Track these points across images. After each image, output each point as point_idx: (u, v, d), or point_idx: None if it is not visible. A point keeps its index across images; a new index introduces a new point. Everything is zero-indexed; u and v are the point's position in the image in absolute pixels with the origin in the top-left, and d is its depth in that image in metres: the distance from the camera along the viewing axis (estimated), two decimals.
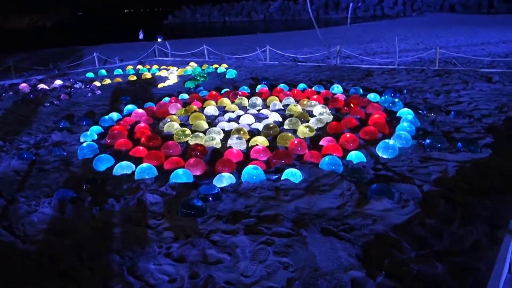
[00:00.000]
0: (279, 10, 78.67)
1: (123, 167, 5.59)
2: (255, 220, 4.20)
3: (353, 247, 3.63)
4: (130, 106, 8.74)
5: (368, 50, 19.20)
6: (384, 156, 5.61)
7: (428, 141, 5.85)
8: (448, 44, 20.19)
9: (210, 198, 4.62)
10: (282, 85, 10.01)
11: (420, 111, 7.41)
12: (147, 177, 5.34)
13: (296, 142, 6.05)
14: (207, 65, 13.93)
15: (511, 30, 26.31)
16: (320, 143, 6.18)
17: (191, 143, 6.55)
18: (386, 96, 8.36)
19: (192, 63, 14.79)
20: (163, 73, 13.16)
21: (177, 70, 13.47)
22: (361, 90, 9.20)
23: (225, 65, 13.82)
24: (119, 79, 12.52)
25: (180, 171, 5.23)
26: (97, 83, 12.00)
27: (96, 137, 7.12)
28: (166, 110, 8.40)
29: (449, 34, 25.22)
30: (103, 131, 7.48)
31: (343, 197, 4.56)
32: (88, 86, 11.82)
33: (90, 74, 13.74)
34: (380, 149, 5.69)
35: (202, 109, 8.43)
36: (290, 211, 4.38)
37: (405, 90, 9.09)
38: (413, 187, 4.67)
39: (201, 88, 10.45)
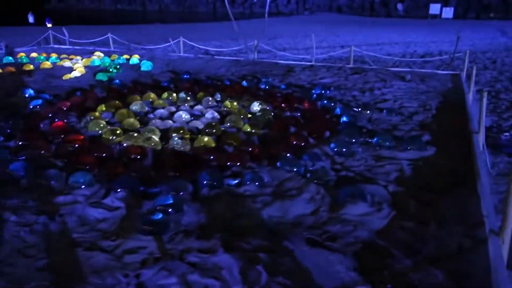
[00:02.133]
0: (175, 1, 76.49)
1: (50, 176, 4.65)
2: (230, 234, 3.73)
3: (345, 257, 3.39)
4: (37, 102, 7.47)
5: (276, 46, 19.42)
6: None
7: (375, 139, 5.90)
8: (348, 43, 21.34)
9: (170, 210, 4.02)
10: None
11: (355, 109, 7.52)
12: (83, 186, 4.50)
13: (244, 141, 5.66)
14: (116, 56, 12.70)
15: (397, 31, 28.82)
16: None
17: (125, 145, 5.76)
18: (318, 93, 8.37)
19: (97, 53, 13.39)
20: (66, 63, 11.66)
21: (81, 60, 12.05)
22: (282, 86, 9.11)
23: (136, 56, 12.75)
24: (11, 69, 10.76)
25: (124, 178, 4.50)
26: None
27: (0, 138, 5.90)
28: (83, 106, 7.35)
29: (347, 34, 26.78)
30: (8, 131, 6.24)
31: (315, 202, 4.31)
32: None
33: None
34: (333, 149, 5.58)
35: (125, 105, 7.55)
36: (263, 220, 4.00)
37: (331, 88, 9.22)
38: (379, 188, 4.60)
39: (117, 81, 9.42)
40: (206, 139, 5.76)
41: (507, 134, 6.67)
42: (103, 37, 16.11)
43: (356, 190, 4.34)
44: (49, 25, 21.83)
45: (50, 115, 6.85)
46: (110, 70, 10.44)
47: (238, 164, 5.08)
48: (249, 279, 3.11)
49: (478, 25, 35.14)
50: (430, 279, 3.15)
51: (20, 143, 5.66)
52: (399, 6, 58.76)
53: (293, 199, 4.35)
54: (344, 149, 5.54)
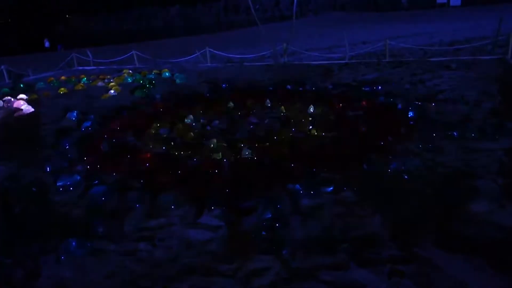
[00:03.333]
0: (179, 16, 76.82)
1: (133, 198, 4.40)
2: (349, 245, 3.42)
3: (492, 262, 3.05)
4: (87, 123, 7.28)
5: (297, 49, 19.14)
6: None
7: (456, 131, 5.58)
8: (368, 39, 21.02)
9: (277, 225, 3.74)
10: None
11: (418, 102, 7.19)
12: (173, 207, 4.24)
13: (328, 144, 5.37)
14: (146, 72, 12.54)
15: (411, 23, 28.34)
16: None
17: (195, 159, 5.51)
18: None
19: (126, 71, 13.24)
20: (99, 83, 11.51)
21: (113, 79, 11.89)
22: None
23: (166, 70, 12.57)
24: (47, 93, 10.63)
25: (216, 194, 4.23)
26: (21, 100, 10.01)
27: (65, 164, 5.67)
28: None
29: (362, 30, 26.41)
30: (69, 156, 6.02)
31: (424, 202, 3.99)
32: (9, 103, 9.80)
33: (5, 90, 11.48)
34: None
35: (178, 119, 7.32)
36: (378, 226, 3.68)
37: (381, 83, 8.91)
38: (489, 182, 4.26)
39: (158, 95, 9.22)
40: (279, 146, 5.49)
41: None
42: (125, 56, 15.96)
43: (472, 187, 4.01)
44: (47, 45, 22.18)
45: (105, 136, 6.63)
46: (147, 85, 10.25)
47: (326, 169, 4.78)
48: None
49: (488, 10, 34.46)
50: None
51: (88, 166, 5.43)
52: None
53: (400, 200, 4.05)
54: (430, 145, 5.21)
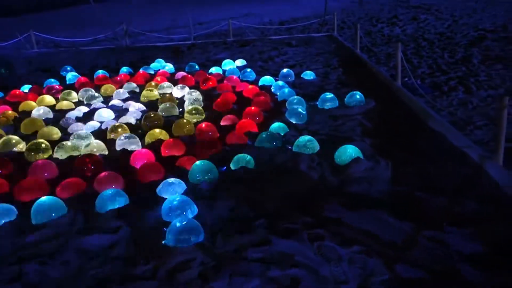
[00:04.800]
0: None
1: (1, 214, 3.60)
2: (266, 220, 3.43)
3: (389, 210, 3.45)
4: None
5: (138, 30, 18.21)
6: (299, 123, 5.50)
7: (319, 101, 6.08)
8: (202, 20, 21.25)
9: (185, 213, 3.53)
10: (100, 71, 8.40)
11: (274, 78, 7.56)
12: (53, 215, 3.60)
13: (204, 126, 5.24)
14: None
15: (236, 5, 29.39)
16: (223, 123, 5.55)
17: (61, 158, 4.79)
18: (231, 68, 8.17)
19: None
20: None
21: None
22: (197, 66, 8.68)
23: None
24: None
25: (108, 193, 3.76)
26: None
27: None
28: None
29: (192, 12, 26.36)
30: None
31: (315, 169, 4.26)
32: None
33: None
34: (292, 117, 5.55)
35: (23, 114, 6.24)
36: (281, 199, 3.78)
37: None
38: (360, 143, 4.74)
39: None
40: (158, 131, 5.16)
41: (407, 79, 7.53)
42: None
43: (348, 149, 4.42)
44: None
45: None
46: None
47: (213, 151, 4.68)
48: (328, 256, 2.95)
49: None
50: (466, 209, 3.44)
51: None
52: None
53: (295, 172, 4.23)
54: (301, 116, 5.56)
